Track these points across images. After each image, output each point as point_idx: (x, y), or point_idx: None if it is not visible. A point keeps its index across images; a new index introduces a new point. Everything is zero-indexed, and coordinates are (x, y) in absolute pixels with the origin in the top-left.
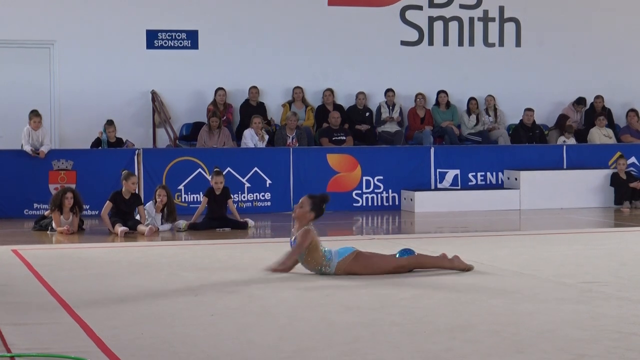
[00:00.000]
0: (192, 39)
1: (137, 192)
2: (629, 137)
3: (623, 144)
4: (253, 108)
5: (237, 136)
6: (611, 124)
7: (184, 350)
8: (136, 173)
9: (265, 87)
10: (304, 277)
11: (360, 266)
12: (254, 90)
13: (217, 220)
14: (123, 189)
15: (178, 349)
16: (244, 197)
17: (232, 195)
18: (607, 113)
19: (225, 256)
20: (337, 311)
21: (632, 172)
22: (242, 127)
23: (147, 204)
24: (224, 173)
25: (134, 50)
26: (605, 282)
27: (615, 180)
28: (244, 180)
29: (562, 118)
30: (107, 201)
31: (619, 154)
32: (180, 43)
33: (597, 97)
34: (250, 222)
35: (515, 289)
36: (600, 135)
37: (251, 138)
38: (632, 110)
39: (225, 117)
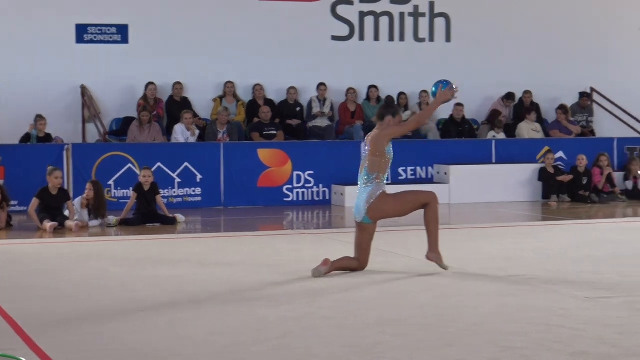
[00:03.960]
0: (122, 33)
1: (65, 187)
2: (557, 133)
3: (551, 139)
4: (177, 103)
5: (168, 131)
6: (539, 119)
7: (113, 346)
8: (65, 169)
9: (196, 82)
10: (235, 272)
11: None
12: (178, 85)
13: (147, 215)
14: (50, 185)
15: (107, 345)
16: (175, 192)
17: (160, 191)
18: (535, 108)
19: (155, 251)
20: (268, 306)
21: (560, 167)
22: (170, 122)
23: (76, 200)
24: (153, 168)
25: (63, 45)
26: (533, 275)
27: (543, 174)
28: (174, 175)
29: (494, 113)
30: (34, 198)
31: (547, 148)
32: (111, 37)
33: (526, 92)
34: (181, 218)
35: (444, 283)
36: (528, 130)
37: (182, 133)
38: (561, 106)
39: (155, 112)
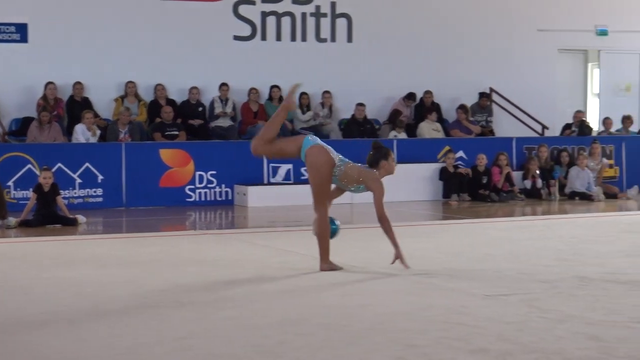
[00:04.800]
0: (21, 32)
1: None
2: (458, 132)
3: (452, 138)
4: (78, 103)
5: (68, 131)
6: (440, 119)
7: (11, 349)
8: None
9: (97, 82)
10: (137, 273)
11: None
12: (78, 85)
13: (47, 216)
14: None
15: (6, 349)
16: (75, 192)
17: (61, 191)
18: (436, 108)
19: (56, 253)
20: (170, 306)
21: (460, 166)
22: (70, 122)
23: None
24: (54, 169)
25: None
26: (434, 273)
27: (444, 174)
28: (75, 176)
29: (394, 113)
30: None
31: (447, 148)
32: (9, 36)
33: (427, 92)
34: (82, 219)
35: (346, 282)
36: (429, 129)
37: (82, 133)
38: (462, 106)
39: (55, 112)
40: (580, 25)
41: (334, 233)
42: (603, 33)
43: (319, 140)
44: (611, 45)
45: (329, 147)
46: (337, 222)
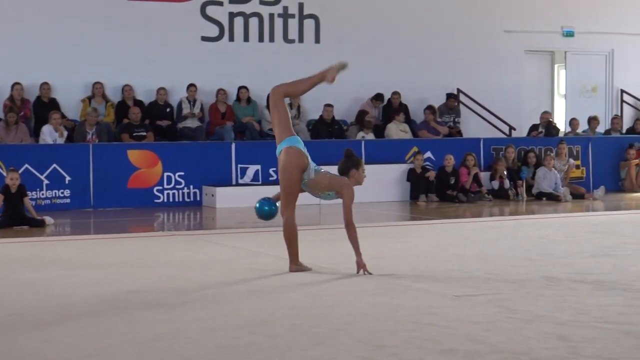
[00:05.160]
0: None
1: None
2: (425, 133)
3: (419, 139)
4: (45, 104)
5: (35, 132)
6: (408, 120)
7: None
8: None
9: (64, 83)
10: (105, 275)
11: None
12: (45, 86)
13: (14, 218)
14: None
15: None
16: (43, 194)
17: (28, 193)
18: (403, 109)
19: (23, 254)
20: (139, 308)
21: (428, 167)
22: (37, 123)
23: None
24: (21, 170)
25: None
26: (402, 274)
27: (411, 175)
28: (42, 177)
29: (361, 113)
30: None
31: (415, 149)
32: None
33: (394, 93)
34: (49, 220)
35: (315, 283)
36: (397, 130)
37: (50, 134)
38: (429, 106)
39: (22, 113)
40: (547, 27)
41: (272, 214)
42: (569, 34)
43: (301, 145)
44: (577, 47)
45: (307, 154)
46: (278, 205)
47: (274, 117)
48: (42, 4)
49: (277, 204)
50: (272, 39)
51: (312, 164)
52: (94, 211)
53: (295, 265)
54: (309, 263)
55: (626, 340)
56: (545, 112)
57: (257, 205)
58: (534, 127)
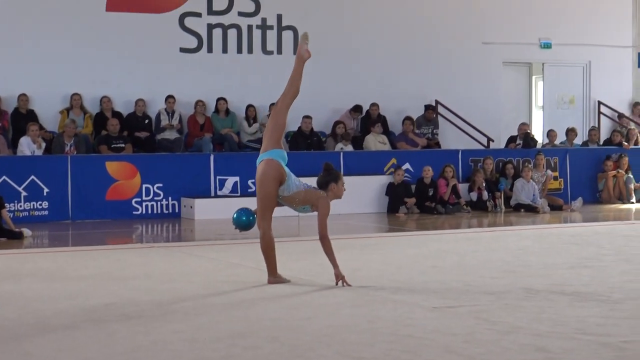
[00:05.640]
0: None
1: None
2: (404, 144)
3: (398, 151)
4: (23, 116)
5: (13, 144)
6: (386, 131)
7: None
8: None
9: (42, 94)
10: (83, 287)
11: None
12: (23, 97)
13: None
14: None
15: None
16: (21, 206)
17: (6, 205)
18: (382, 120)
19: (1, 267)
20: (117, 320)
21: (407, 179)
22: (15, 135)
23: None
24: None
25: None
26: (381, 286)
27: (391, 189)
28: (20, 189)
29: (335, 125)
30: None
31: (394, 160)
32: None
33: (373, 104)
34: (27, 232)
35: (293, 295)
36: (375, 142)
37: (28, 145)
38: (408, 118)
39: (0, 124)
40: (525, 38)
41: (250, 225)
42: (547, 46)
43: (282, 161)
44: (555, 58)
45: (288, 171)
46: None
47: (268, 125)
48: (20, 15)
49: (256, 215)
50: (250, 51)
51: (294, 182)
52: (73, 223)
53: (274, 277)
54: (288, 275)
55: (604, 351)
56: (523, 124)
57: (235, 215)
58: (511, 139)
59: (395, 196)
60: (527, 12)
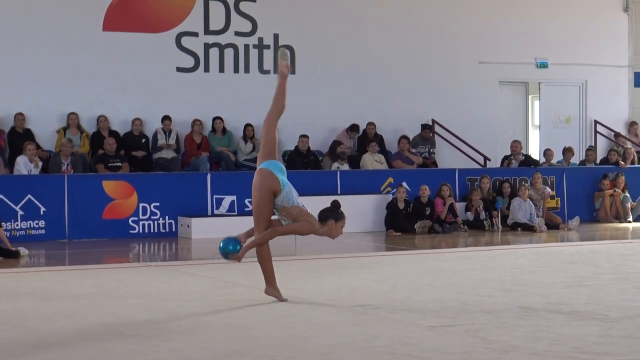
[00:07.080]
0: None
1: None
2: (399, 163)
3: (394, 170)
4: (20, 135)
5: (10, 163)
6: (383, 150)
7: None
8: None
9: (39, 113)
10: (80, 306)
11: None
12: (20, 116)
13: None
14: None
15: None
16: (17, 225)
17: (2, 224)
18: (378, 139)
19: None
20: (114, 339)
21: (406, 198)
22: (12, 154)
23: None
24: None
25: None
26: (378, 304)
27: (391, 208)
28: (17, 208)
29: (334, 144)
30: None
31: (391, 179)
32: None
33: (370, 123)
34: (24, 251)
35: (291, 313)
36: (372, 161)
37: (24, 165)
38: (404, 137)
39: None
40: (521, 58)
41: (235, 253)
42: (543, 65)
43: (275, 169)
44: (551, 78)
45: (284, 180)
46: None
47: (261, 140)
48: (17, 34)
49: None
50: (247, 70)
51: (295, 196)
52: (69, 242)
53: (271, 288)
54: (285, 294)
55: None
56: (515, 141)
57: (222, 244)
58: (505, 158)
59: (395, 216)
60: (524, 32)
